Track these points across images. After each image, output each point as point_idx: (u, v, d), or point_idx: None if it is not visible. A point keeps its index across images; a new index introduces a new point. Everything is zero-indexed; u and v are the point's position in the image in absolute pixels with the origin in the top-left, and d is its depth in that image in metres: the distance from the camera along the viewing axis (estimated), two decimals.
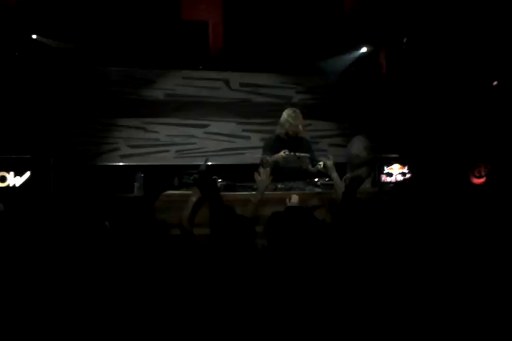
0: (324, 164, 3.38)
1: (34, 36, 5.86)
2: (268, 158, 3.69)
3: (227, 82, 6.76)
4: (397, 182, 3.41)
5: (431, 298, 1.81)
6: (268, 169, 3.20)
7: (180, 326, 1.70)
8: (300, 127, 3.95)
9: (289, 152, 3.67)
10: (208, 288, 1.79)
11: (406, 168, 3.70)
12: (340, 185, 3.21)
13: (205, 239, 2.21)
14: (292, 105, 6.86)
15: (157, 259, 1.88)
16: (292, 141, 3.93)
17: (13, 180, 3.44)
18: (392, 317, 1.75)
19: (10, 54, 5.70)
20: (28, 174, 3.38)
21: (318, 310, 1.74)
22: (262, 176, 3.10)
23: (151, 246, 1.94)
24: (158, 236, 2.02)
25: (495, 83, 6.61)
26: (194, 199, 3.00)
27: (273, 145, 3.99)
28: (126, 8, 5.93)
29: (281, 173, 3.58)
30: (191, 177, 2.99)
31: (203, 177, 2.90)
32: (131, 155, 6.37)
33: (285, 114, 4.00)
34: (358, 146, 4.57)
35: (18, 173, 3.43)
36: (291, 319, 1.71)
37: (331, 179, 3.31)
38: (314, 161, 3.82)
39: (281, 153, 3.70)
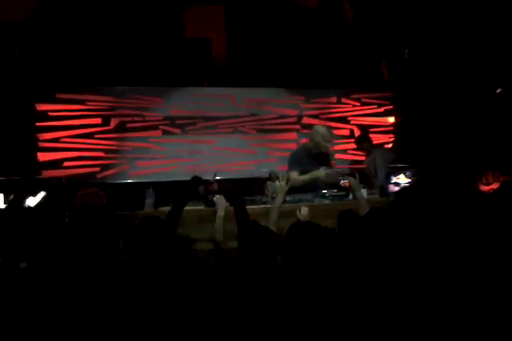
0: (349, 183, 3.50)
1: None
2: (302, 177, 3.98)
3: (232, 98, 6.84)
4: (400, 189, 3.43)
5: (434, 303, 1.83)
6: (287, 176, 3.30)
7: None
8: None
9: (330, 168, 3.99)
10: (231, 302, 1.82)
11: (408, 175, 3.78)
12: (363, 203, 3.17)
13: (232, 253, 2.25)
14: (298, 118, 7.01)
15: (181, 274, 1.91)
16: (321, 156, 4.18)
17: (28, 200, 3.52)
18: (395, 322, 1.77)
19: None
20: (42, 194, 3.45)
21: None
22: (281, 182, 3.16)
23: (174, 261, 1.97)
24: (182, 250, 2.05)
25: (499, 90, 6.64)
26: (222, 213, 3.08)
27: (302, 159, 4.20)
28: (131, 26, 6.04)
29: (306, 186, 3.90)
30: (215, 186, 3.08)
31: (228, 186, 2.97)
32: (140, 173, 6.44)
33: (324, 133, 4.15)
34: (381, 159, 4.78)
35: (33, 194, 3.51)
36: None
37: (354, 197, 3.35)
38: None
39: (323, 171, 3.95)
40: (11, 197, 2.66)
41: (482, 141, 6.31)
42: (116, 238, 2.54)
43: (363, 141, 5.46)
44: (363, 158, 6.30)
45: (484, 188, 4.30)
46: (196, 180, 2.96)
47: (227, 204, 3.09)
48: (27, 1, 5.27)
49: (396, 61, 7.03)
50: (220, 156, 6.70)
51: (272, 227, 2.83)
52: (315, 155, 4.19)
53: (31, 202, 3.46)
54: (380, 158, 4.89)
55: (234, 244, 2.25)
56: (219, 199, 3.19)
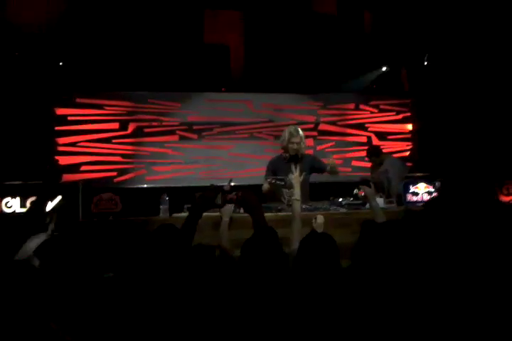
0: (364, 192, 3.32)
1: (61, 63, 6.03)
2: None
3: (249, 104, 6.84)
4: (428, 201, 3.36)
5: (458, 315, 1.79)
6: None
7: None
8: (301, 145, 3.92)
9: (275, 181, 3.63)
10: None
11: (437, 185, 3.69)
12: (379, 212, 3.07)
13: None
14: (315, 125, 6.97)
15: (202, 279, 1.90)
16: (294, 159, 3.86)
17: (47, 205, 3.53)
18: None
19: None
20: (59, 198, 3.46)
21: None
22: (296, 174, 3.14)
23: (195, 269, 1.96)
24: (203, 258, 2.03)
25: None
26: (227, 219, 3.03)
27: (275, 165, 3.98)
28: (149, 32, 6.08)
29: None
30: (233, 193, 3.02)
31: (246, 195, 2.93)
32: (156, 178, 6.46)
33: (285, 133, 3.97)
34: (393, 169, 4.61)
35: (49, 198, 3.52)
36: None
37: (370, 206, 3.21)
38: (324, 169, 3.92)
39: (267, 184, 3.76)
40: (30, 201, 2.69)
41: (503, 149, 6.19)
42: (131, 244, 2.53)
43: (371, 155, 5.28)
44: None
45: (505, 198, 4.20)
46: (213, 189, 2.94)
47: (232, 211, 3.07)
48: (46, 12, 5.33)
49: (415, 68, 6.96)
50: (236, 162, 6.70)
51: (298, 238, 2.53)
52: (287, 158, 3.91)
53: (49, 206, 3.48)
54: (392, 168, 4.75)
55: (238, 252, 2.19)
56: (225, 207, 3.12)
